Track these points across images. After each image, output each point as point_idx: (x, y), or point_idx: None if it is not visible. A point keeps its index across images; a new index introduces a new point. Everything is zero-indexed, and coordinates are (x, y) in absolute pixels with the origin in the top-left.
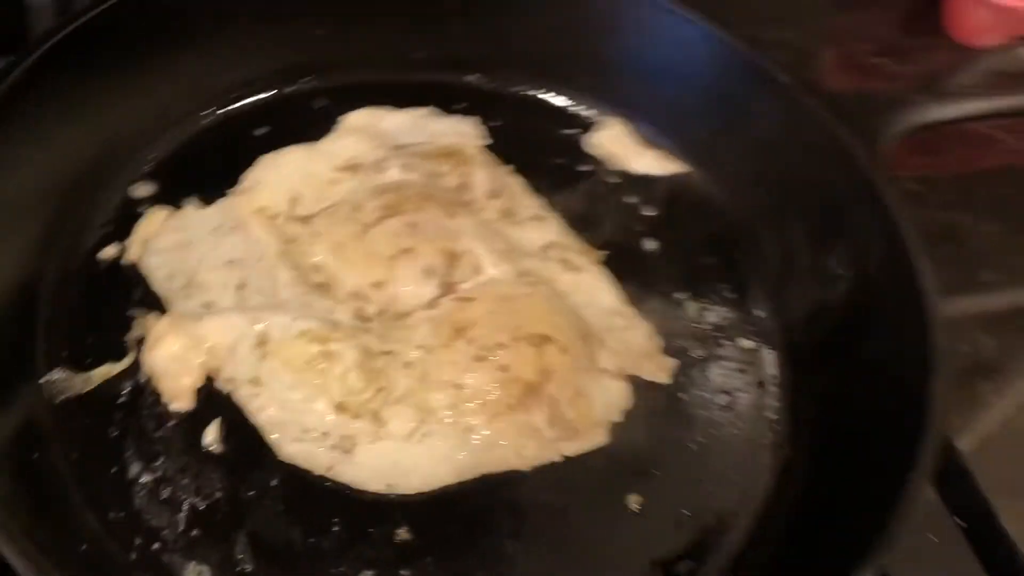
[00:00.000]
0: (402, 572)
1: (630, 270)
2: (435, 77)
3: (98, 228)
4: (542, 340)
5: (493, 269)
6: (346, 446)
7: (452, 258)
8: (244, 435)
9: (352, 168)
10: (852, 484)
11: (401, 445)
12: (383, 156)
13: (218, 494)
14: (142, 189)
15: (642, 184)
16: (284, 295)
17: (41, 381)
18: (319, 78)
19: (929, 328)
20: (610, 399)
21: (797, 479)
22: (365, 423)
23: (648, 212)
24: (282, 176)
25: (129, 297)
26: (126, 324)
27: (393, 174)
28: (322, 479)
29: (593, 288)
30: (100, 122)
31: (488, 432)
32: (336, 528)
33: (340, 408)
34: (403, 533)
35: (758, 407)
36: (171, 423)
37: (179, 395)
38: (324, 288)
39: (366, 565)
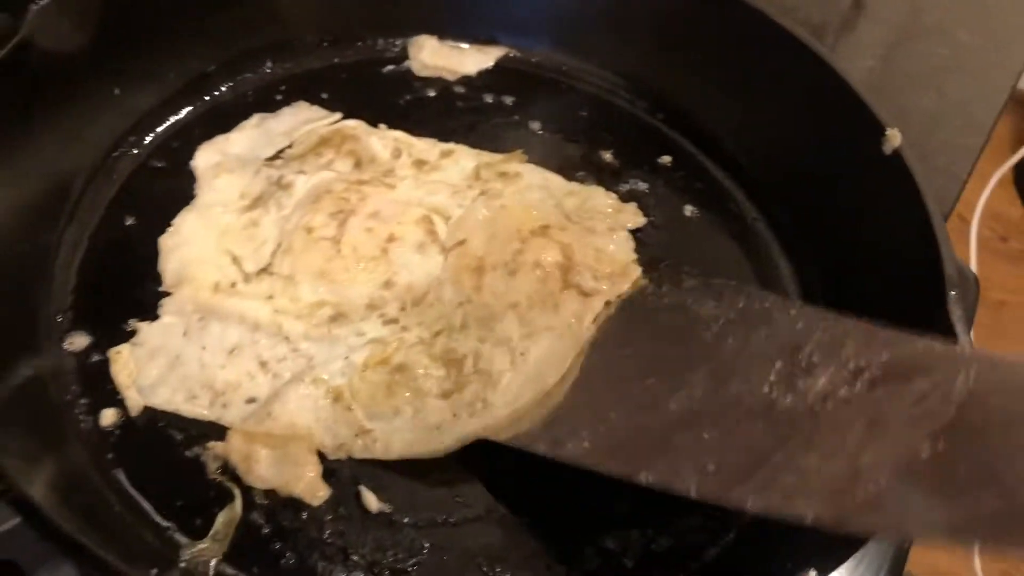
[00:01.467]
0: None
1: (547, 156)
2: (239, 75)
3: (77, 403)
4: (542, 230)
5: (459, 209)
6: (479, 407)
7: (427, 222)
8: (395, 491)
9: (255, 201)
10: None
11: (515, 371)
12: (272, 177)
13: (424, 544)
14: (76, 341)
15: (484, 79)
16: (306, 347)
17: (183, 564)
18: (138, 140)
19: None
20: (622, 247)
21: None
22: (476, 383)
23: (509, 101)
24: (200, 248)
25: (176, 447)
26: (199, 469)
27: (302, 183)
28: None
29: (539, 184)
30: None
31: (563, 316)
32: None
33: (445, 395)
34: None
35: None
36: (328, 518)
37: (312, 489)
38: (341, 317)
39: None
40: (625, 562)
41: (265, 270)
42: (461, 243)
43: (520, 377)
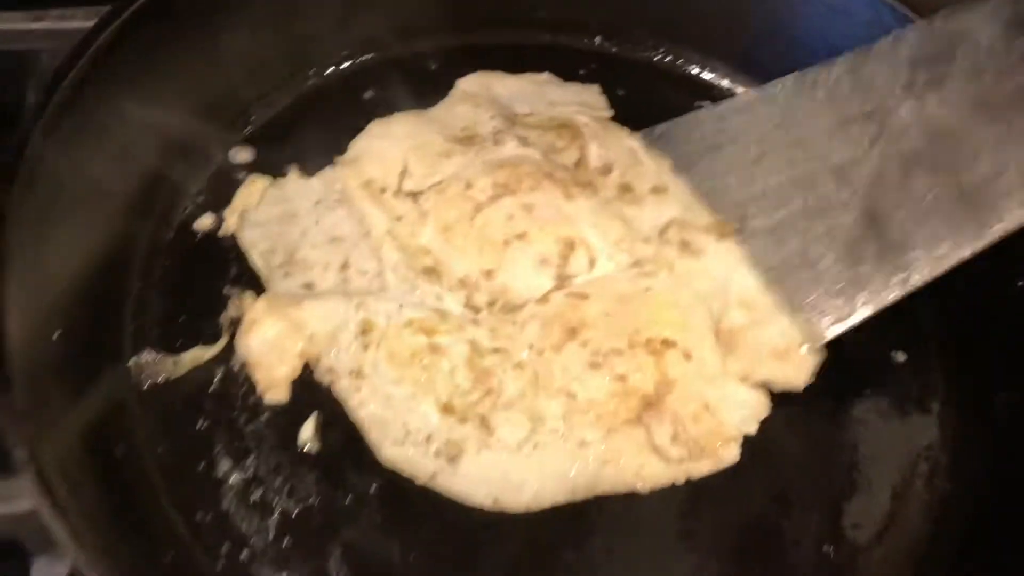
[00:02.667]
0: None
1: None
2: (556, 39)
3: (193, 196)
4: (663, 346)
5: (608, 262)
6: (452, 453)
7: (568, 247)
8: (342, 434)
9: (466, 139)
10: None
11: (510, 456)
12: (499, 127)
13: (312, 499)
14: (242, 154)
15: None
16: (389, 278)
17: (129, 363)
18: (432, 39)
19: None
20: (742, 410)
21: (955, 523)
22: (472, 428)
23: None
24: (391, 146)
25: (224, 273)
26: (220, 303)
27: (509, 148)
28: (424, 489)
29: (720, 273)
30: (200, 80)
31: (604, 448)
32: (439, 546)
33: (446, 409)
34: (510, 553)
35: (911, 428)
36: (264, 416)
37: (275, 386)
38: (432, 273)
39: None
40: None
41: (415, 195)
42: (580, 295)
43: (506, 467)
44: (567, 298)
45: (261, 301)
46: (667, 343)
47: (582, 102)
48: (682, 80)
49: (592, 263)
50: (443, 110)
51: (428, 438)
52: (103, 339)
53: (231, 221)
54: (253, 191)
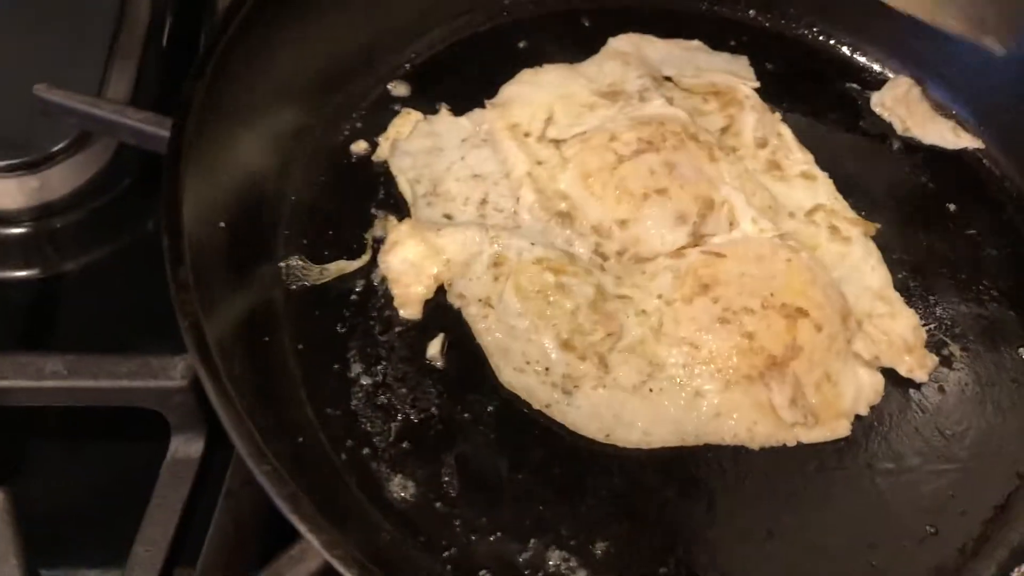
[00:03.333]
0: (598, 539)
1: (903, 249)
2: (711, 7)
3: (351, 121)
4: (796, 313)
5: (750, 225)
6: (567, 386)
7: (707, 206)
8: (466, 355)
9: (612, 94)
10: None
11: (625, 396)
12: (646, 86)
13: (433, 410)
14: (399, 88)
15: (928, 155)
16: (525, 217)
17: (280, 265)
18: None
19: None
20: (860, 390)
21: None
22: (590, 366)
23: (932, 187)
24: (540, 94)
25: (373, 195)
26: (367, 222)
27: (655, 105)
28: (538, 414)
29: (860, 264)
30: (368, 14)
31: (719, 400)
32: (547, 469)
33: (566, 346)
34: (615, 487)
35: None
36: (397, 329)
37: (410, 302)
38: (566, 217)
39: (568, 517)
40: None
41: (558, 142)
42: (716, 254)
43: (620, 406)
44: (703, 255)
45: (404, 224)
46: (801, 311)
47: (731, 71)
48: (833, 60)
49: (733, 224)
50: (593, 65)
51: (547, 370)
52: (260, 238)
53: (384, 147)
54: (406, 122)
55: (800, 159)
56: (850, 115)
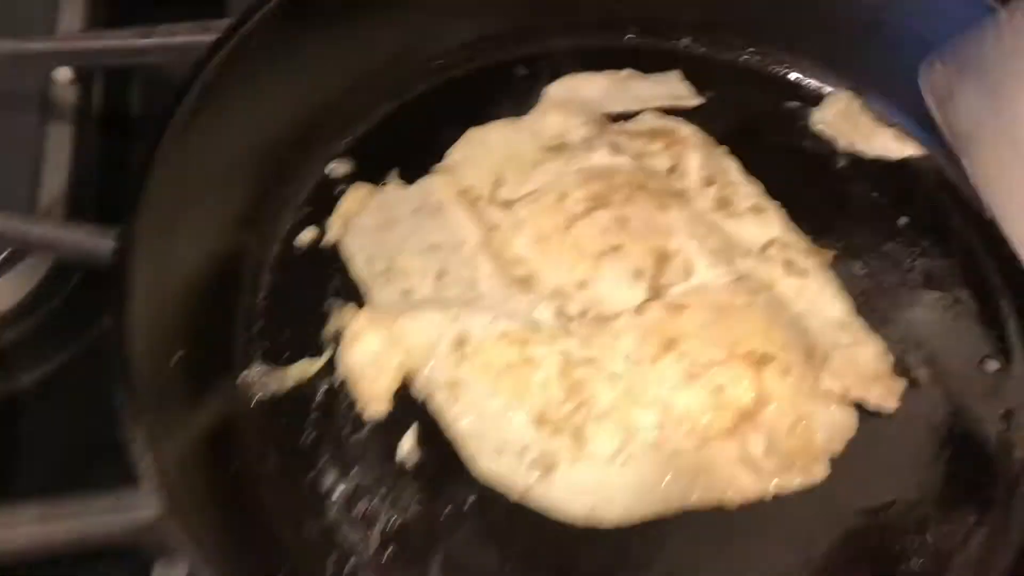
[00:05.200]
0: None
1: (861, 273)
2: (643, 41)
3: (296, 208)
4: (761, 359)
5: (707, 271)
6: (546, 464)
7: (663, 258)
8: (440, 446)
9: (557, 148)
10: None
11: (604, 467)
12: (590, 133)
13: (413, 510)
14: (341, 167)
15: (874, 168)
16: (483, 287)
17: (239, 376)
18: (519, 45)
19: None
20: (833, 428)
21: None
22: (566, 439)
23: (881, 201)
24: (487, 155)
25: (327, 285)
26: (325, 315)
27: (601, 156)
28: (519, 503)
29: (819, 295)
30: (302, 95)
31: (697, 459)
32: (534, 557)
33: (540, 420)
34: (603, 566)
35: (1004, 445)
36: (367, 429)
37: (375, 399)
38: (525, 282)
39: None
40: None
41: (509, 204)
42: (677, 306)
43: (600, 479)
44: (665, 309)
45: (362, 314)
46: (767, 357)
47: (668, 94)
48: (770, 81)
49: (690, 272)
50: (535, 119)
51: (523, 449)
52: (215, 353)
53: (335, 229)
54: (355, 199)
55: (749, 192)
56: (793, 136)
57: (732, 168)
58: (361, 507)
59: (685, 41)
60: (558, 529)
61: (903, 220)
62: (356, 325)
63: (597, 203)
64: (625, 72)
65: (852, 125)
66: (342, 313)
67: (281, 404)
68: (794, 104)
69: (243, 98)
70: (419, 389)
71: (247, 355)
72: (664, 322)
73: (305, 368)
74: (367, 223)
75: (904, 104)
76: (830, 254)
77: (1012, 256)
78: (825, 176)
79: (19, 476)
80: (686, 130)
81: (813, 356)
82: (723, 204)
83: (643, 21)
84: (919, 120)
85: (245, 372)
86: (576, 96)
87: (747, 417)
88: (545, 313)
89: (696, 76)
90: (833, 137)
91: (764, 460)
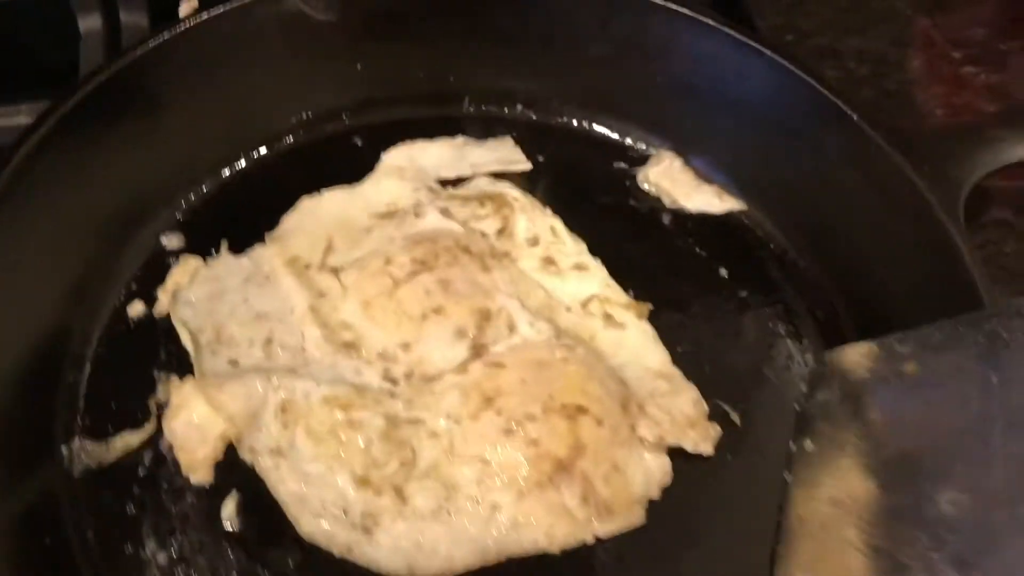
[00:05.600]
0: None
1: (680, 322)
2: (477, 109)
3: (126, 282)
4: (576, 411)
5: (528, 328)
6: (367, 524)
7: (484, 317)
8: (263, 510)
9: (388, 214)
10: None
11: (424, 524)
12: (420, 200)
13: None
14: (172, 240)
15: (697, 223)
16: (311, 354)
17: (60, 449)
18: (354, 116)
19: None
20: (649, 474)
21: None
22: (388, 500)
23: (703, 254)
24: (317, 223)
25: (154, 357)
26: (150, 386)
27: (431, 220)
28: (342, 561)
29: (637, 346)
30: (129, 170)
31: (515, 511)
32: None
33: (362, 483)
34: None
35: None
36: (189, 498)
37: (197, 467)
38: (352, 347)
39: None
40: None
41: (337, 271)
42: (497, 364)
43: (419, 535)
44: (485, 367)
45: (186, 384)
46: (581, 409)
47: (501, 158)
48: (599, 144)
49: (512, 329)
50: (371, 185)
51: (344, 511)
52: (35, 429)
53: (164, 302)
54: (185, 271)
55: (572, 251)
56: (621, 194)
57: (558, 228)
58: (180, 574)
59: (518, 108)
60: None
61: (724, 271)
62: (179, 395)
63: (421, 267)
64: (460, 139)
65: (675, 183)
66: (168, 384)
67: (105, 476)
68: (622, 165)
69: (65, 175)
70: (244, 454)
71: (70, 429)
72: (484, 380)
73: (129, 439)
74: (197, 294)
75: (722, 162)
76: (647, 307)
77: (826, 302)
78: (651, 232)
79: None
80: (514, 193)
81: (628, 406)
82: (548, 263)
83: (477, 91)
84: (737, 177)
85: (67, 445)
86: (413, 163)
87: (562, 468)
88: (371, 376)
89: (528, 141)
90: (658, 195)
91: (580, 509)
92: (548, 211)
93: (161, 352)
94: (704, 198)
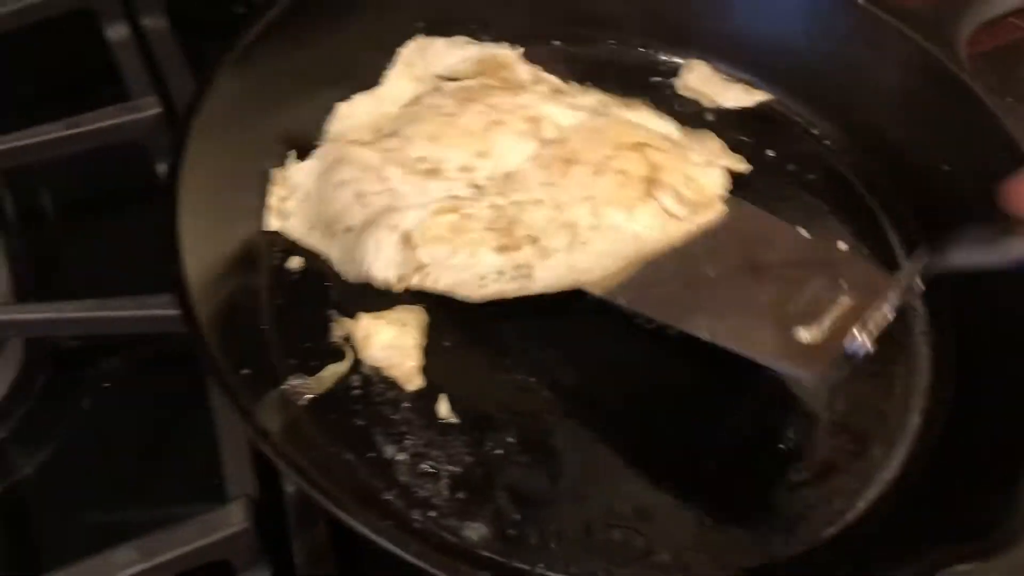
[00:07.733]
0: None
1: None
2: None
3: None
4: (640, 146)
5: (572, 119)
6: (523, 273)
7: (535, 120)
8: (470, 404)
9: (414, 99)
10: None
11: (568, 254)
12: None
13: (467, 458)
14: None
15: (737, 116)
16: (399, 189)
17: (284, 387)
18: None
19: None
20: (714, 180)
21: None
22: (529, 250)
23: (748, 141)
24: (360, 117)
25: (325, 297)
26: (332, 326)
27: (450, 88)
28: (556, 429)
29: (652, 120)
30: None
31: (633, 223)
32: (585, 469)
33: (501, 249)
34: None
35: None
36: (405, 404)
37: (412, 377)
38: (434, 172)
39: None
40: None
41: (392, 134)
42: (561, 141)
43: (570, 261)
44: (554, 147)
45: (360, 319)
46: (642, 144)
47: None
48: (637, 62)
49: (558, 124)
50: (389, 86)
51: (500, 273)
52: (262, 371)
53: (273, 220)
54: (277, 192)
55: (573, 86)
56: (663, 102)
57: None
58: (424, 466)
59: (556, 44)
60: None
61: (771, 152)
62: (361, 329)
63: (467, 100)
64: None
65: (709, 85)
66: (342, 323)
67: (328, 401)
68: (658, 79)
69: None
70: (397, 287)
71: (285, 369)
72: (557, 152)
73: (336, 370)
74: (290, 205)
75: (744, 62)
76: (644, 102)
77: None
78: (699, 128)
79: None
80: (506, 51)
81: (675, 142)
82: (558, 91)
83: (509, 26)
84: (760, 73)
85: (287, 382)
86: (422, 58)
87: (652, 183)
88: (460, 189)
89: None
90: (696, 99)
91: (678, 208)
92: (538, 68)
93: (331, 293)
94: (735, 94)
